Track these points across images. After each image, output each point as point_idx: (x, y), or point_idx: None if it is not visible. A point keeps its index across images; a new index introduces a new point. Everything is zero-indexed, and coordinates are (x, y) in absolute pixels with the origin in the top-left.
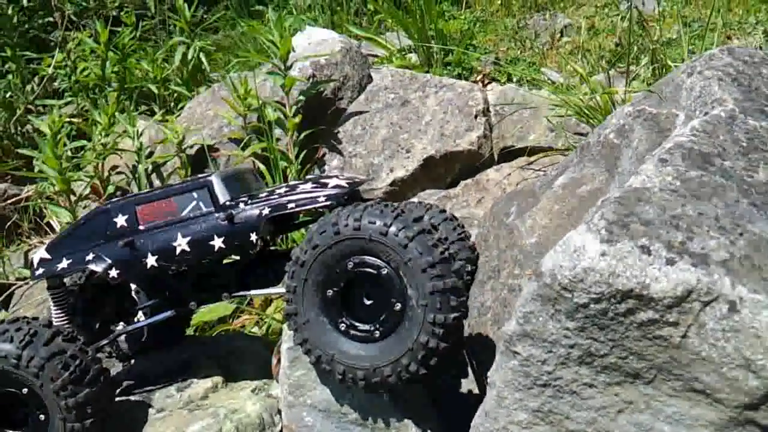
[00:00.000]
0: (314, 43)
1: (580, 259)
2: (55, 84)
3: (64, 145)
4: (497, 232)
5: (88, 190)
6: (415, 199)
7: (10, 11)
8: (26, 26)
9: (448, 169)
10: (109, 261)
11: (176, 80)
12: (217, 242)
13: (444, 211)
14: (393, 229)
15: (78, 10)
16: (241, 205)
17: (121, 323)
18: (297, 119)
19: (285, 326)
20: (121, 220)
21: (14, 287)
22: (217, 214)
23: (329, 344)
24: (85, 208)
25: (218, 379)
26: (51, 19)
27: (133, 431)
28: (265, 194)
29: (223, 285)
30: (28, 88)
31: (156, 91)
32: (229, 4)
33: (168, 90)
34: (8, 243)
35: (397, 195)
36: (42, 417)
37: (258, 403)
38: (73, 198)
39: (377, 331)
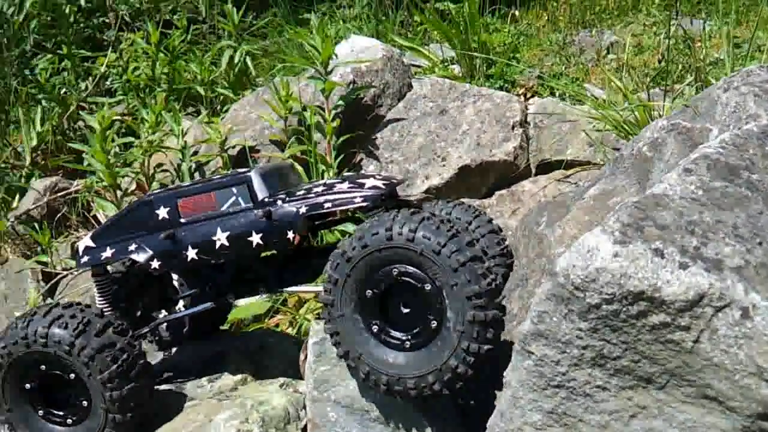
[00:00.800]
0: (357, 51)
1: (593, 259)
2: (107, 82)
3: (113, 141)
4: (527, 241)
5: (133, 186)
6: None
7: (68, 11)
8: (82, 26)
9: (484, 178)
10: (151, 252)
11: (222, 83)
12: (255, 238)
13: (491, 220)
14: (446, 250)
15: (132, 11)
16: (279, 202)
17: (163, 311)
18: (335, 123)
19: (313, 323)
20: (163, 213)
21: (60, 276)
22: (255, 211)
23: (359, 343)
24: (130, 202)
25: (248, 373)
26: (106, 19)
27: (166, 418)
28: (302, 192)
29: (260, 279)
30: (82, 85)
31: (203, 93)
32: (277, 11)
33: (214, 92)
34: (57, 234)
35: None
36: (85, 403)
37: (285, 397)
38: (119, 193)
39: (408, 342)
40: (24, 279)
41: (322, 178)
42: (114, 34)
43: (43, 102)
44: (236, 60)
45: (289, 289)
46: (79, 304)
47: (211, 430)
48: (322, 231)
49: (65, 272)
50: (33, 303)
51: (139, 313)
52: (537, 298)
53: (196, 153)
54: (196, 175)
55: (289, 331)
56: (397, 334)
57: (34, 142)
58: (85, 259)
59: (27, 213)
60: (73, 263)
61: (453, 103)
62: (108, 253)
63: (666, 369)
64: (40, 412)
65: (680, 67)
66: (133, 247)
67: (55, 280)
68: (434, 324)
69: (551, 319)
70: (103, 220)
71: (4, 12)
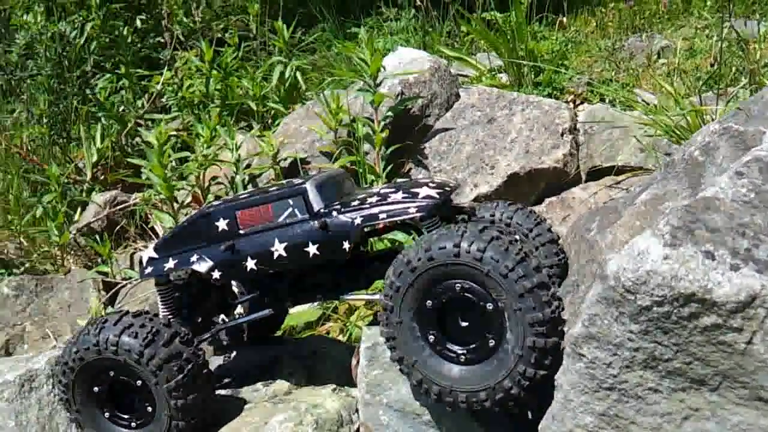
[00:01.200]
0: (404, 63)
1: (644, 261)
2: (163, 100)
3: (169, 155)
4: (577, 247)
5: (189, 198)
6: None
7: (125, 32)
8: (139, 46)
9: (533, 186)
10: (212, 263)
11: (274, 98)
12: (312, 249)
13: (551, 228)
14: (513, 274)
15: (186, 31)
16: (335, 213)
17: (222, 316)
18: (384, 134)
19: (365, 328)
20: (222, 224)
21: (120, 285)
22: (311, 222)
23: (414, 350)
24: (186, 215)
25: (301, 377)
26: (161, 39)
27: (223, 421)
28: (357, 202)
29: (317, 287)
30: (139, 103)
31: (255, 108)
32: (325, 26)
33: (266, 107)
34: (116, 246)
35: None
36: (149, 408)
37: (337, 400)
38: (175, 205)
39: (464, 356)
40: (86, 288)
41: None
42: (169, 53)
43: (103, 120)
44: (287, 75)
45: (347, 297)
46: (147, 313)
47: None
48: (372, 239)
49: (125, 282)
50: (95, 311)
51: (200, 319)
52: (588, 302)
53: (249, 166)
54: (249, 187)
55: (340, 337)
56: (454, 347)
57: (95, 158)
58: (149, 270)
59: (88, 225)
60: (132, 273)
61: (501, 111)
62: (170, 264)
63: (719, 371)
64: (107, 414)
65: (734, 69)
66: (194, 258)
67: (115, 289)
68: (492, 343)
69: (602, 321)
70: (160, 231)
71: (67, 35)
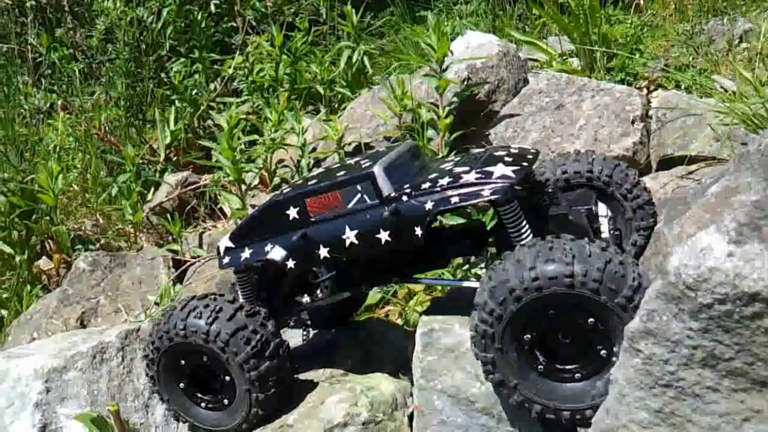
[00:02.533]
0: (472, 48)
1: (706, 258)
2: (234, 84)
3: (239, 138)
4: None
5: (257, 181)
6: None
7: (199, 17)
8: (212, 31)
9: None
10: (286, 252)
11: (341, 82)
12: (383, 236)
13: (647, 189)
14: (631, 305)
15: (258, 16)
16: (405, 198)
17: (306, 296)
18: (449, 120)
19: (422, 315)
20: (293, 213)
21: (189, 264)
22: (381, 209)
23: (516, 374)
24: (254, 196)
25: (358, 360)
26: (234, 24)
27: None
28: (428, 185)
29: (392, 269)
30: (212, 86)
31: (322, 92)
32: (394, 10)
33: (333, 91)
34: (186, 225)
35: None
36: (230, 386)
37: (392, 384)
38: (243, 187)
39: (573, 373)
40: (157, 266)
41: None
42: (241, 38)
43: (177, 102)
44: (354, 60)
45: (425, 280)
46: (213, 294)
47: (322, 411)
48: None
49: (193, 260)
50: (164, 287)
51: (280, 301)
52: (647, 296)
53: (314, 149)
54: (315, 170)
55: (399, 321)
56: (560, 366)
57: (168, 140)
58: (227, 260)
59: (160, 205)
60: (200, 252)
61: (570, 97)
62: (246, 254)
63: None
64: (194, 400)
65: None
66: (268, 247)
67: (184, 267)
68: (604, 353)
69: (661, 317)
70: (228, 212)
71: (144, 20)
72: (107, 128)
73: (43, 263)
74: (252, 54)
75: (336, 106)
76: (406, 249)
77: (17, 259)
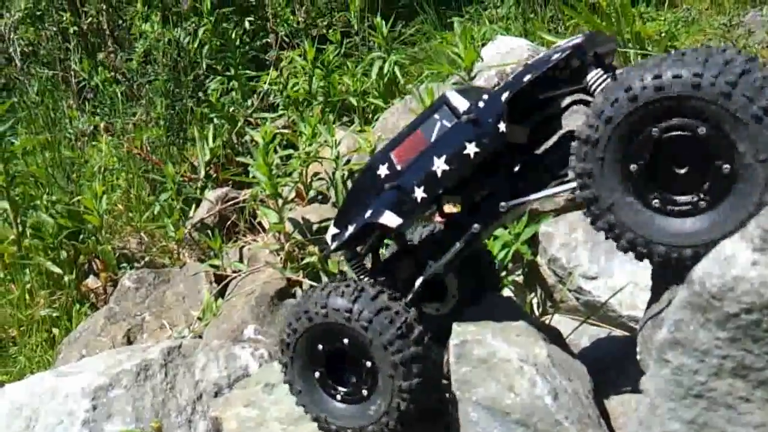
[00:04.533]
0: (503, 52)
1: (730, 267)
2: (270, 99)
3: (276, 152)
4: None
5: (293, 194)
6: None
7: (233, 35)
8: (247, 48)
9: None
10: (384, 208)
11: (374, 92)
12: (471, 148)
13: None
14: (707, 78)
15: (291, 30)
16: (480, 104)
17: (421, 277)
18: None
19: (454, 324)
20: (383, 170)
21: (230, 278)
22: (460, 123)
23: (642, 225)
24: (291, 210)
25: None
26: (267, 40)
27: None
28: (498, 86)
29: (496, 196)
30: (248, 102)
31: (355, 103)
32: (425, 18)
33: (366, 102)
34: (227, 240)
35: None
36: (370, 374)
37: None
38: (280, 201)
39: (702, 202)
40: (199, 281)
41: None
42: (275, 53)
43: (215, 120)
44: (386, 70)
45: (533, 196)
46: (353, 278)
47: None
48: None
49: (234, 274)
50: (206, 303)
51: (400, 284)
52: (673, 306)
53: (349, 161)
54: (348, 183)
55: None
56: (686, 198)
57: (207, 157)
58: (334, 245)
59: (202, 221)
60: (240, 266)
61: None
62: (350, 229)
63: None
64: (329, 391)
65: None
66: (368, 213)
67: (226, 281)
68: (726, 168)
69: (688, 327)
70: (267, 226)
71: (181, 41)
72: (149, 148)
73: (91, 282)
74: (286, 68)
75: (370, 116)
76: (501, 154)
77: (66, 278)
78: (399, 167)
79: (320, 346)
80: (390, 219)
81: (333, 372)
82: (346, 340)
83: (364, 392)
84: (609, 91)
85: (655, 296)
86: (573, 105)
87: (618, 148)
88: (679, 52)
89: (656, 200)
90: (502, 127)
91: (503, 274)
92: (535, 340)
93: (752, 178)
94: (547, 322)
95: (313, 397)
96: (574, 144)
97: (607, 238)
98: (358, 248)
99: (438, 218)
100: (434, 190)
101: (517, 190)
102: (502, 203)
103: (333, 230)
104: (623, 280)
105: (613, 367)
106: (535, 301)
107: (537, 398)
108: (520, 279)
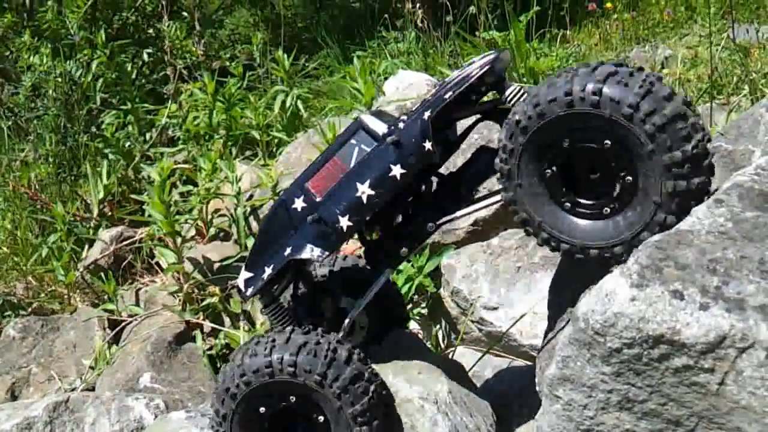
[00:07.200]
0: (403, 87)
1: (611, 303)
2: (169, 132)
3: (175, 188)
4: None
5: (192, 232)
6: None
7: (130, 67)
8: (144, 81)
9: None
10: (306, 243)
11: (277, 126)
12: (396, 170)
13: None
14: (639, 113)
15: (191, 63)
16: (401, 125)
17: (351, 313)
18: None
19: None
20: (299, 204)
21: (125, 323)
22: (382, 144)
23: (555, 224)
24: (190, 249)
25: None
26: (166, 73)
27: None
28: (417, 105)
29: (418, 217)
30: (146, 137)
31: (258, 137)
32: (329, 52)
33: (269, 135)
34: (123, 281)
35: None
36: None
37: None
38: (179, 240)
39: (607, 208)
40: (91, 327)
41: None
42: (173, 87)
43: (110, 155)
44: (288, 104)
45: (460, 213)
46: (317, 329)
47: None
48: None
49: (129, 319)
50: (99, 351)
51: (326, 324)
52: (560, 343)
53: (251, 197)
54: (251, 219)
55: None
56: (586, 201)
57: (101, 194)
58: (250, 291)
59: (95, 262)
60: (137, 310)
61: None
62: (268, 270)
63: (694, 412)
64: None
65: (735, 79)
66: (288, 250)
67: (121, 327)
68: (629, 180)
69: (575, 363)
70: (164, 266)
71: (73, 74)
72: (37, 186)
73: None
74: (186, 102)
75: (274, 150)
76: (427, 175)
77: None
78: (318, 198)
79: (262, 410)
80: (313, 252)
81: None
82: (293, 398)
83: None
84: (551, 88)
85: (551, 325)
86: (479, 122)
87: (534, 155)
88: (591, 67)
89: (567, 202)
90: (427, 145)
91: (409, 306)
92: (437, 377)
93: (649, 193)
94: (451, 354)
95: None
96: (499, 143)
97: (527, 234)
98: (273, 289)
99: (348, 249)
100: (360, 217)
101: (441, 209)
102: (430, 223)
103: (246, 274)
104: (523, 310)
105: (515, 399)
106: (440, 333)
107: None
108: (425, 311)
